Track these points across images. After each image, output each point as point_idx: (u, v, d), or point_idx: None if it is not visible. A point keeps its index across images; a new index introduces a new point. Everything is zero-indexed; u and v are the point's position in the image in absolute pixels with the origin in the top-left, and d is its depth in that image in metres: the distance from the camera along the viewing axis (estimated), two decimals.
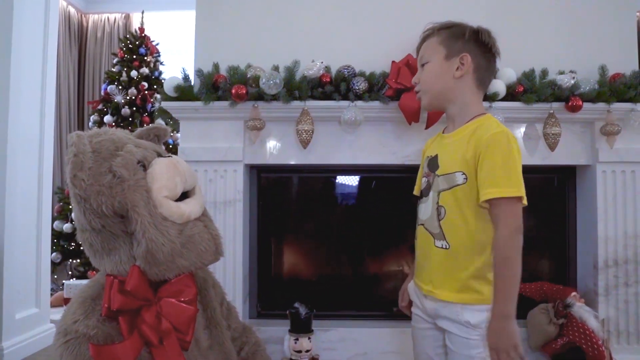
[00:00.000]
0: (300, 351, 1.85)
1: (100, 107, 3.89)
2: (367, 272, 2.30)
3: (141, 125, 3.75)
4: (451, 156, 1.20)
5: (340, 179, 2.28)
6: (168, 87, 1.99)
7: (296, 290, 2.22)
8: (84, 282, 3.21)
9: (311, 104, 1.94)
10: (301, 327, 1.87)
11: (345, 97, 1.94)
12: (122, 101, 3.82)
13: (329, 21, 2.10)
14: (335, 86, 1.95)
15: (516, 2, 2.09)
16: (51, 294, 2.64)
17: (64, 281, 3.36)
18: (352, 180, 2.28)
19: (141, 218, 1.01)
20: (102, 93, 3.94)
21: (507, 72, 1.96)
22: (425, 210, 1.25)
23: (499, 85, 1.93)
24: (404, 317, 2.11)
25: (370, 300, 2.22)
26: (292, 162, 2.06)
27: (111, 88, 3.85)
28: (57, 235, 3.56)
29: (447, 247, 1.16)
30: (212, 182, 2.01)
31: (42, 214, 2.43)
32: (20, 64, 2.26)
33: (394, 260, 2.28)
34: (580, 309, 1.87)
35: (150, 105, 3.86)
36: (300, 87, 1.92)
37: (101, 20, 4.88)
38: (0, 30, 2.19)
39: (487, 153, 1.10)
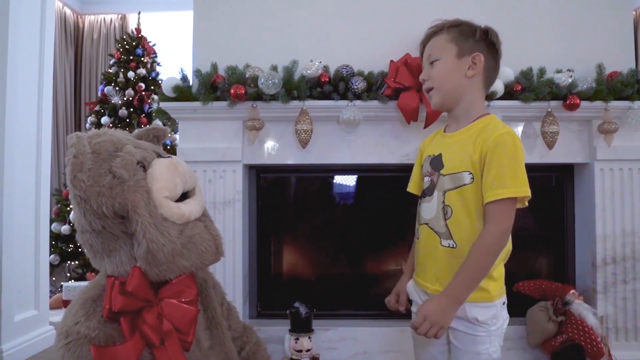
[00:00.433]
0: (300, 351, 1.85)
1: (97, 108, 3.89)
2: (367, 271, 2.30)
3: (139, 126, 3.74)
4: (456, 156, 1.20)
5: (339, 179, 2.28)
6: (166, 88, 1.99)
7: (296, 290, 2.22)
8: (83, 284, 3.22)
9: (310, 103, 1.95)
10: (301, 327, 1.87)
11: (343, 97, 1.94)
12: (119, 102, 3.81)
13: (327, 21, 2.10)
14: (333, 86, 1.95)
15: (514, 0, 2.10)
16: (50, 296, 2.63)
17: (62, 283, 3.35)
18: (351, 180, 2.28)
19: (141, 219, 1.01)
20: (99, 94, 3.94)
21: (505, 71, 1.97)
22: (429, 209, 1.25)
23: (497, 84, 1.93)
24: (404, 316, 2.11)
25: (370, 299, 2.22)
26: (291, 162, 2.06)
27: (108, 89, 3.85)
28: (55, 237, 3.56)
29: (455, 246, 1.17)
30: (211, 183, 2.01)
31: (40, 215, 2.42)
32: (16, 66, 2.24)
33: (393, 259, 2.28)
34: (579, 307, 1.88)
35: (147, 106, 3.86)
36: (298, 87, 1.92)
37: (97, 21, 4.87)
38: None
39: (495, 155, 1.12)
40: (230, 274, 2.00)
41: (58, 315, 2.92)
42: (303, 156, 2.04)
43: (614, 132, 1.96)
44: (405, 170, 2.15)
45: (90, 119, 3.85)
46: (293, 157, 2.05)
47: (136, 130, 1.29)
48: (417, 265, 1.31)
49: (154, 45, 4.16)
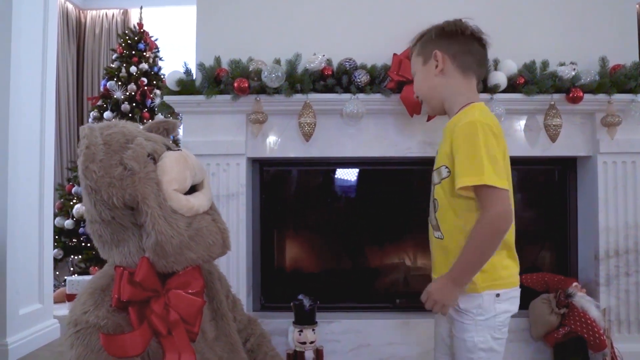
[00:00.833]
0: (304, 342, 1.86)
1: (99, 103, 3.89)
2: (370, 264, 2.31)
3: (141, 121, 3.75)
4: (440, 150, 1.27)
5: (342, 172, 2.29)
6: (170, 81, 1.99)
7: (299, 282, 2.22)
8: (86, 278, 3.23)
9: (313, 97, 1.95)
10: (305, 319, 1.88)
11: (347, 90, 1.94)
12: (122, 97, 3.82)
13: (330, 14, 2.10)
14: (337, 79, 1.95)
15: None
16: (53, 290, 2.65)
17: (65, 277, 3.37)
18: (354, 173, 2.29)
19: (151, 210, 1.02)
20: (102, 89, 3.94)
21: (507, 64, 1.97)
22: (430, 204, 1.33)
23: (500, 77, 1.93)
24: (407, 308, 2.13)
25: (373, 292, 2.23)
26: (294, 155, 2.06)
27: (110, 84, 3.85)
28: (58, 231, 3.57)
29: (442, 237, 1.24)
30: (215, 176, 2.01)
31: (43, 210, 2.43)
32: (19, 61, 2.25)
33: (396, 252, 2.29)
34: (581, 299, 1.89)
35: (150, 100, 3.86)
36: (302, 80, 1.92)
37: (99, 17, 4.87)
38: (0, 28, 2.19)
39: (455, 144, 1.17)
40: (234, 267, 2.01)
41: (62, 309, 2.94)
42: (306, 149, 2.04)
43: (617, 125, 1.96)
44: (407, 163, 2.16)
45: (93, 113, 3.85)
46: (296, 150, 2.05)
47: (147, 123, 1.30)
48: None
49: (156, 40, 4.16)
